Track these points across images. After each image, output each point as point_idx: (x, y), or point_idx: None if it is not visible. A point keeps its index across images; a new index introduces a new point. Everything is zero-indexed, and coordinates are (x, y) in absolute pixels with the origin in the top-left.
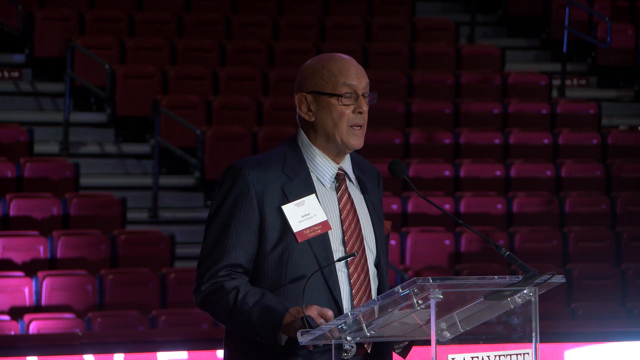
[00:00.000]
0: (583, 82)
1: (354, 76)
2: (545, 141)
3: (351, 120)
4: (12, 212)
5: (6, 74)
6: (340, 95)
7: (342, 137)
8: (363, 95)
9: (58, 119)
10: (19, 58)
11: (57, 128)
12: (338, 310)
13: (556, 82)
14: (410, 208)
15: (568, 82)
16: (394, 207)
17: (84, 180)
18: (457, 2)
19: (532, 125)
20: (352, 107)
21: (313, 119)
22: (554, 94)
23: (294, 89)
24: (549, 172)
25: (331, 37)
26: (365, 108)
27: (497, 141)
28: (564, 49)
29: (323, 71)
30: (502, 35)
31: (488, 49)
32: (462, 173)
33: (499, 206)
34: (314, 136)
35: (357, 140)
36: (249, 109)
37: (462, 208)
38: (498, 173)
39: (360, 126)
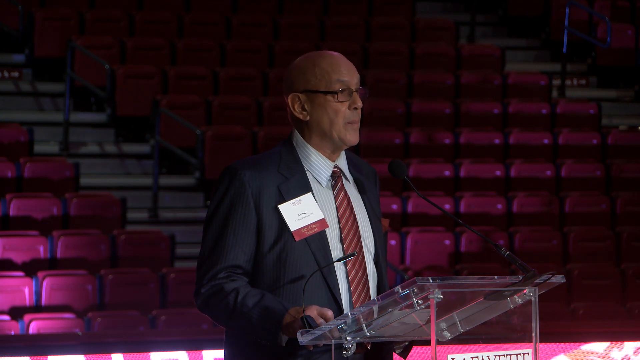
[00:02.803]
0: (583, 82)
1: (346, 72)
2: (545, 141)
3: (347, 117)
4: (12, 212)
5: (6, 74)
6: (336, 92)
7: (339, 134)
8: (356, 90)
9: (58, 119)
10: (19, 58)
11: (57, 128)
12: (338, 309)
13: (556, 82)
14: (410, 208)
15: (568, 82)
16: (394, 207)
17: (84, 180)
18: (457, 2)
19: (532, 125)
20: (347, 104)
21: (308, 118)
22: (554, 94)
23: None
24: (549, 172)
25: (331, 37)
26: (360, 104)
27: (497, 141)
28: (564, 49)
29: (315, 69)
30: (502, 35)
31: (488, 49)
32: (462, 173)
33: (499, 206)
34: (309, 135)
35: (353, 136)
36: (249, 109)
37: (462, 208)
38: (498, 173)
39: (355, 122)
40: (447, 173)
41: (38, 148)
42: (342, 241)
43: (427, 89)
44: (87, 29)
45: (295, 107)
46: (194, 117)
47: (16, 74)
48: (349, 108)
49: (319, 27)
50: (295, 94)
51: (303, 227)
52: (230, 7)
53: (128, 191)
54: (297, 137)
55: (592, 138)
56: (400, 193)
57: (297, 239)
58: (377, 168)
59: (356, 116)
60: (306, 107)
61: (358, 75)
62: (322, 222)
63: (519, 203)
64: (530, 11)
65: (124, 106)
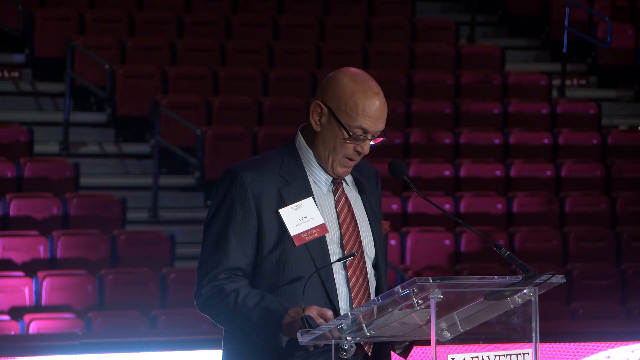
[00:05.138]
0: (583, 82)
1: (372, 122)
2: (545, 141)
3: (348, 154)
4: (12, 212)
5: (6, 74)
6: (350, 135)
7: (333, 163)
8: (373, 136)
9: (58, 119)
10: (19, 58)
11: (57, 128)
12: (335, 313)
13: (556, 82)
14: (410, 208)
15: (568, 82)
16: (394, 207)
17: (84, 180)
18: (457, 2)
19: (532, 125)
20: (354, 145)
21: (319, 130)
22: (554, 94)
23: (294, 89)
24: (549, 172)
25: (331, 37)
26: (366, 149)
27: (497, 141)
28: (564, 49)
29: (349, 101)
30: (502, 35)
31: (488, 49)
32: (462, 173)
33: (499, 206)
34: (314, 143)
35: (344, 171)
36: (249, 109)
37: (462, 208)
38: (498, 173)
39: (353, 160)
40: (447, 173)
41: (38, 148)
42: (342, 247)
43: (427, 89)
44: (87, 29)
45: (314, 114)
46: (194, 117)
47: (16, 74)
48: (354, 148)
49: (319, 27)
50: (320, 104)
51: (303, 232)
52: (230, 7)
53: (128, 191)
54: (301, 141)
55: (592, 138)
56: (400, 193)
57: (297, 243)
58: (377, 168)
59: (356, 157)
60: (322, 120)
61: (383, 126)
62: (322, 227)
63: (519, 203)
64: (530, 11)
65: (124, 106)
